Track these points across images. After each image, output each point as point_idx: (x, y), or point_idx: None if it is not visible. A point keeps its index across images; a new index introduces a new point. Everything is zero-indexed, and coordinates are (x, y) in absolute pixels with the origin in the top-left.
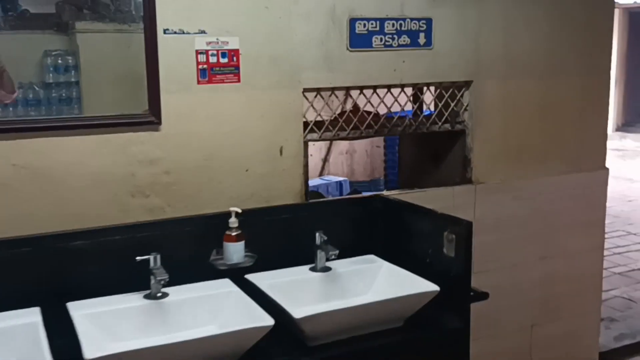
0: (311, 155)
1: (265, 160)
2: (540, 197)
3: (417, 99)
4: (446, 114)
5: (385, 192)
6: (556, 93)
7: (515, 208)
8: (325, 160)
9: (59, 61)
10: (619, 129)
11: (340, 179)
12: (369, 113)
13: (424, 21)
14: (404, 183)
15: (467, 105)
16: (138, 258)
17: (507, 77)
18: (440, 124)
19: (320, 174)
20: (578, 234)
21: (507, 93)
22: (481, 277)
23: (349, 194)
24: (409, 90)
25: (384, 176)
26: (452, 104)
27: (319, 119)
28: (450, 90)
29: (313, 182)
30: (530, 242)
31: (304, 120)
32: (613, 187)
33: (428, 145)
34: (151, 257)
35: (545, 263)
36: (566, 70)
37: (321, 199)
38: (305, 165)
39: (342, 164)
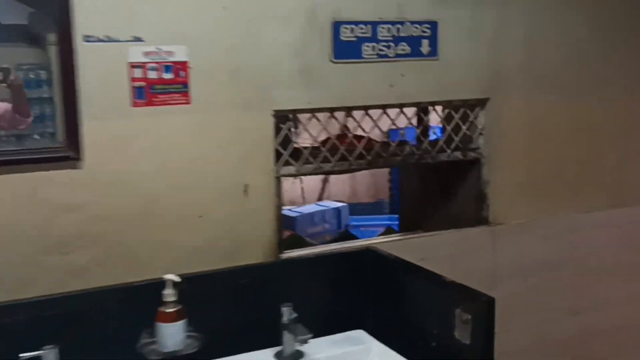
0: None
1: (225, 203)
2: (573, 238)
3: (421, 121)
4: (456, 140)
5: (380, 240)
6: (593, 114)
7: (543, 252)
8: (325, 181)
9: None
10: None
11: (339, 204)
12: (359, 138)
13: (427, 25)
14: (406, 222)
15: (482, 129)
16: (23, 356)
17: (532, 93)
18: (449, 151)
19: (320, 197)
20: (620, 281)
21: (532, 113)
22: (502, 339)
23: (340, 234)
24: (410, 111)
25: (389, 197)
26: (464, 127)
27: (300, 146)
28: (462, 110)
29: (308, 208)
30: (561, 293)
31: (277, 149)
32: None
33: (435, 177)
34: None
35: (580, 318)
36: (606, 87)
37: (296, 253)
38: (279, 207)
39: (343, 183)
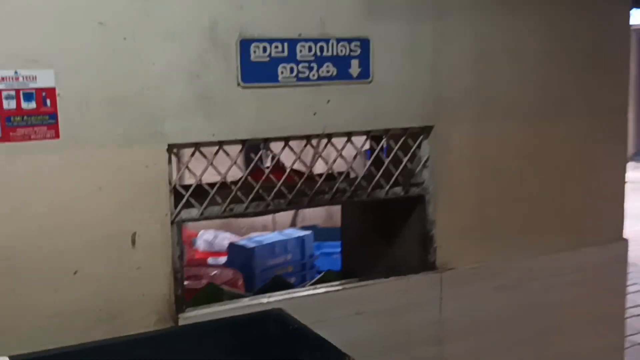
0: None
1: (106, 256)
2: (533, 285)
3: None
4: (396, 173)
5: (309, 292)
6: (550, 142)
7: (499, 302)
8: None
9: None
10: (632, 158)
11: (303, 232)
12: (280, 171)
13: (356, 42)
14: (347, 263)
15: (426, 161)
16: None
17: (483, 119)
18: (387, 187)
19: (294, 222)
20: (589, 334)
21: (482, 143)
22: None
23: (271, 280)
24: (339, 142)
25: None
26: (405, 159)
27: (205, 185)
28: (402, 139)
29: (268, 237)
30: (521, 349)
31: (176, 190)
32: (628, 228)
33: (377, 214)
34: None
35: None
36: (567, 111)
37: (200, 311)
38: (179, 257)
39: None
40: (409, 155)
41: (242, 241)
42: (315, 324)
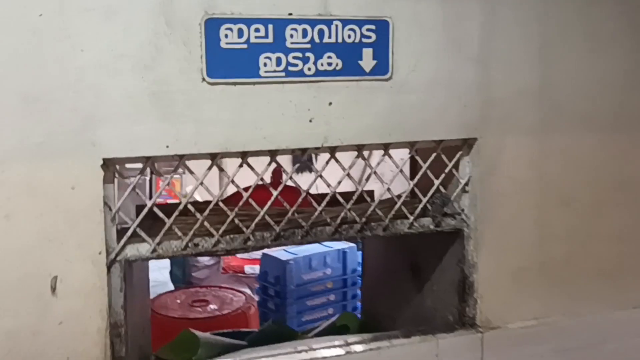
0: None
1: (18, 305)
2: (608, 348)
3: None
4: (424, 201)
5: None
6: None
7: None
8: None
9: None
10: None
11: (346, 245)
12: (293, 191)
13: (371, 25)
14: (368, 309)
15: (466, 184)
16: None
17: (548, 130)
18: (412, 218)
19: None
20: None
21: (547, 160)
22: None
23: (269, 325)
24: (345, 158)
25: None
26: (437, 182)
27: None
28: (433, 155)
29: (306, 249)
30: None
31: (118, 218)
32: None
33: (403, 248)
34: None
35: None
36: None
37: None
38: (123, 307)
39: None
40: (442, 176)
41: (276, 251)
42: None
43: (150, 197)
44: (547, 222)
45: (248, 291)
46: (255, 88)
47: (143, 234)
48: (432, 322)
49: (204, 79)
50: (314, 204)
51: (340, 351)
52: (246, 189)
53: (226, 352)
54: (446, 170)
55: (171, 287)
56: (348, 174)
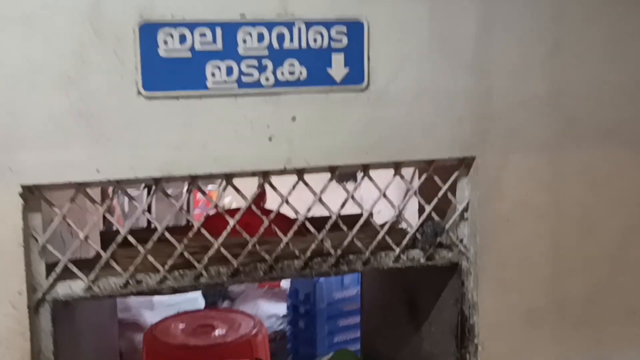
0: None
1: None
2: None
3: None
4: (413, 229)
5: None
6: None
7: None
8: None
9: None
10: None
11: None
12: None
13: (341, 27)
14: (365, 345)
15: (464, 209)
16: None
17: (562, 146)
18: (397, 250)
19: None
20: None
21: (563, 181)
22: None
23: None
24: (316, 181)
25: None
26: (428, 208)
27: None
28: (423, 176)
29: None
30: None
31: (46, 251)
32: None
33: (399, 281)
34: None
35: None
36: None
37: None
38: (54, 354)
39: None
40: (434, 201)
41: None
42: None
43: (188, 211)
44: (564, 253)
45: (262, 314)
46: (202, 102)
47: (75, 269)
48: None
49: (139, 92)
50: (279, 233)
51: None
52: (232, 213)
53: None
54: (439, 195)
55: (201, 303)
56: (320, 199)
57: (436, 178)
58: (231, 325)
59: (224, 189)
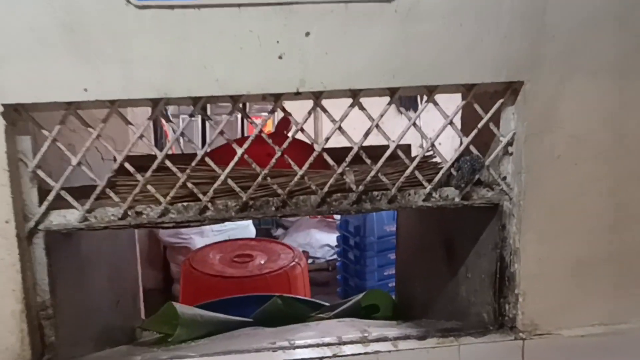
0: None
1: None
2: None
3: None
4: (447, 164)
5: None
6: None
7: None
8: None
9: None
10: None
11: None
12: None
13: None
14: (400, 286)
15: (509, 143)
16: None
17: (633, 72)
18: (428, 187)
19: None
20: None
21: (630, 114)
22: None
23: (270, 304)
24: (333, 109)
25: None
26: (466, 140)
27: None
28: (461, 104)
29: None
30: None
31: (37, 178)
32: None
33: (437, 222)
34: None
35: None
36: None
37: None
38: (51, 286)
39: None
40: (473, 132)
41: None
42: None
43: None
44: (625, 198)
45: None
46: (200, 13)
47: (69, 198)
48: (465, 318)
49: (129, 2)
50: (293, 165)
51: (324, 352)
52: (241, 142)
53: (220, 331)
54: (479, 125)
55: (253, 231)
56: (340, 128)
57: (477, 106)
58: (270, 257)
59: (272, 111)
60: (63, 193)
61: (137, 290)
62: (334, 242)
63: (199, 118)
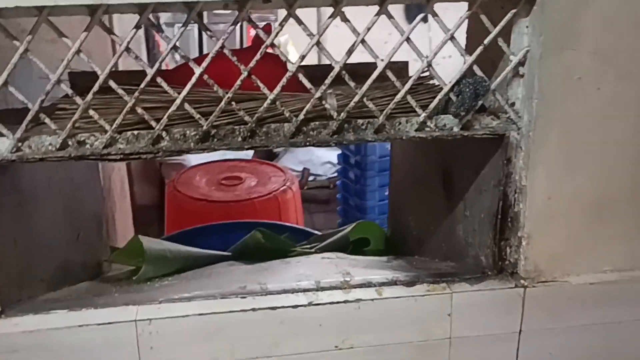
0: None
1: None
2: None
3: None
4: (446, 87)
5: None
6: None
7: None
8: None
9: None
10: None
11: None
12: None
13: None
14: (393, 220)
15: (520, 63)
16: None
17: None
18: (422, 115)
19: None
20: None
21: None
22: None
23: (250, 237)
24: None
25: None
26: (469, 59)
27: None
28: (467, 14)
29: None
30: None
31: None
32: None
33: (434, 150)
34: None
35: None
36: None
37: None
38: None
39: None
40: (478, 49)
41: None
42: None
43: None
44: None
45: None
46: None
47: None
48: (460, 260)
49: None
50: (263, 87)
51: (299, 299)
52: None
53: (192, 267)
54: (486, 41)
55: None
56: (318, 42)
57: (484, 17)
58: (260, 179)
59: (234, 23)
60: None
61: (101, 220)
62: (335, 160)
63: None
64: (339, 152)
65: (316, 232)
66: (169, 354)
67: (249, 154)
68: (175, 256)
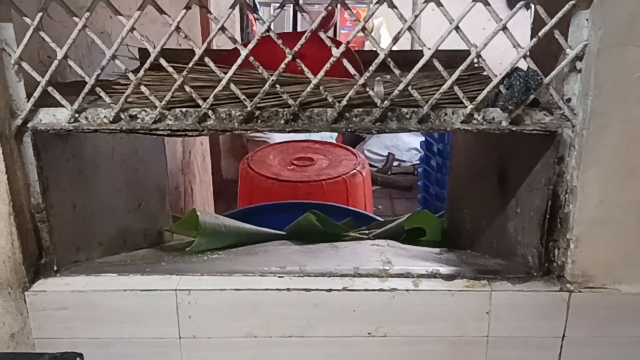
0: None
1: None
2: None
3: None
4: (496, 79)
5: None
6: None
7: None
8: None
9: None
10: None
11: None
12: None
13: None
14: (451, 212)
15: (578, 57)
16: None
17: None
18: (469, 107)
19: None
20: None
21: None
22: None
23: (304, 218)
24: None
25: None
26: (521, 51)
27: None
28: (519, 6)
29: None
30: None
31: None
32: None
33: (493, 147)
34: None
35: None
36: None
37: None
38: (44, 188)
39: None
40: (532, 41)
41: None
42: None
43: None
44: None
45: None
46: None
47: (57, 95)
48: (510, 258)
49: None
50: (307, 71)
51: (335, 283)
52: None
53: (244, 243)
54: (541, 33)
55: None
56: (364, 29)
57: (540, 8)
58: (332, 162)
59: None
60: (50, 89)
61: (165, 192)
62: None
63: (290, 8)
64: (422, 139)
65: (378, 218)
66: (206, 324)
67: (333, 135)
68: (230, 231)
